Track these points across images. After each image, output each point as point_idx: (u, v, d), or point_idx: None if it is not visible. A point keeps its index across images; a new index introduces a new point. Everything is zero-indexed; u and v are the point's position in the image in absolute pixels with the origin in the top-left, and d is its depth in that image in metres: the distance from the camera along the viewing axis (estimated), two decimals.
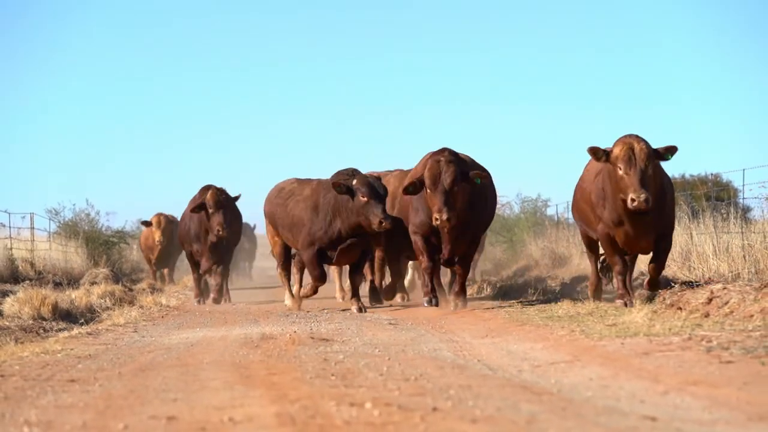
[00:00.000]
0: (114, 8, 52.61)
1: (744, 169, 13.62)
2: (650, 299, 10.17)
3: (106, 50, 52.98)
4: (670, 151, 10.14)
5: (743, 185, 14.01)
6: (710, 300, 9.30)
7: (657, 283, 10.63)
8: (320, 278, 12.48)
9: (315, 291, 12.81)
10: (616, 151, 10.07)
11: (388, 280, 14.69)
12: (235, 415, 4.78)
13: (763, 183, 13.00)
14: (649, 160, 10.01)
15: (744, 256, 12.19)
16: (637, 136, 10.14)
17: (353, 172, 12.23)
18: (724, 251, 12.53)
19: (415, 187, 11.24)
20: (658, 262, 10.64)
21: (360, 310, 12.27)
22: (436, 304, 11.61)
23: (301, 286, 13.77)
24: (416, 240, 11.76)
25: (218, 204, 15.26)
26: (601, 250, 11.65)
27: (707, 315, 8.68)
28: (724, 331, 7.30)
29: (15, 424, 4.78)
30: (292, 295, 13.70)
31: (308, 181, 13.30)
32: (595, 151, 10.22)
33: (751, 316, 8.14)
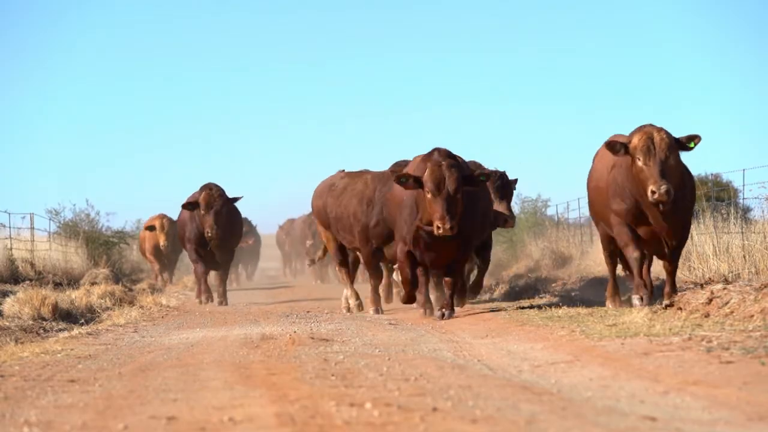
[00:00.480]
0: (114, 8, 52.65)
1: (744, 170, 13.62)
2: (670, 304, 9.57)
3: (106, 50, 53.05)
4: (693, 139, 9.64)
5: (743, 185, 14.02)
6: (710, 300, 9.30)
7: (674, 285, 10.13)
8: (376, 277, 12.25)
9: (376, 295, 12.46)
10: (635, 141, 9.57)
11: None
12: (235, 415, 4.78)
13: (763, 183, 12.99)
14: (670, 151, 9.52)
15: (744, 257, 12.18)
16: (657, 126, 9.66)
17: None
18: (724, 251, 12.52)
19: (408, 180, 10.30)
20: (673, 261, 10.18)
21: (377, 311, 12.12)
22: (431, 314, 10.93)
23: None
24: (403, 252, 10.84)
25: (209, 205, 15.24)
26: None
27: (707, 315, 8.68)
28: (724, 332, 7.30)
29: (15, 424, 4.78)
30: (356, 293, 13.21)
31: (360, 174, 12.85)
32: (612, 146, 9.72)
33: (751, 316, 8.14)
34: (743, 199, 14.67)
